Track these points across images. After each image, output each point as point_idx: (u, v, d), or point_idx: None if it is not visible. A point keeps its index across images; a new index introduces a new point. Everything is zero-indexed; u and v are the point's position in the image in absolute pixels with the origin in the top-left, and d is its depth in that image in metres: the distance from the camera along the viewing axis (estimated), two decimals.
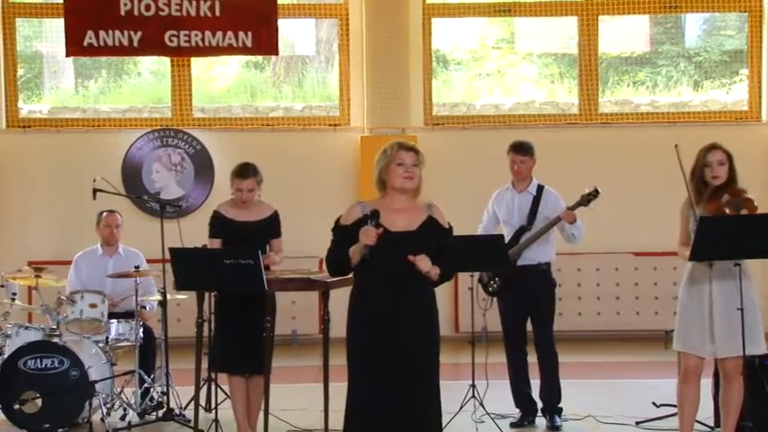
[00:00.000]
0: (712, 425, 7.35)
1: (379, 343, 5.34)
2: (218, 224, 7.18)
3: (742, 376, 6.49)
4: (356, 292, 5.52)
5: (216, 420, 7.06)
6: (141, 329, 8.28)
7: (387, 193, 5.49)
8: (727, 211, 6.39)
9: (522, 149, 7.94)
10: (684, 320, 6.49)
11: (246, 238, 6.94)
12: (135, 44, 12.59)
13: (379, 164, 5.48)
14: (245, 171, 7.12)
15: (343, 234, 5.43)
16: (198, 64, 13.29)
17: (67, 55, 12.83)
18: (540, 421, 7.92)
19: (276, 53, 13.01)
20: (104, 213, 9.04)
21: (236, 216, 7.17)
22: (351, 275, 5.56)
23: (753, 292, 6.43)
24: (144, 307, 8.57)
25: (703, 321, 6.41)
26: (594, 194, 7.83)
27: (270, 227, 7.22)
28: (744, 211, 6.36)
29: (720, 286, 6.41)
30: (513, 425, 7.87)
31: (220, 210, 7.25)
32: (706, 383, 7.00)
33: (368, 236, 5.27)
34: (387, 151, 5.46)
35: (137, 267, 8.33)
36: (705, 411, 7.10)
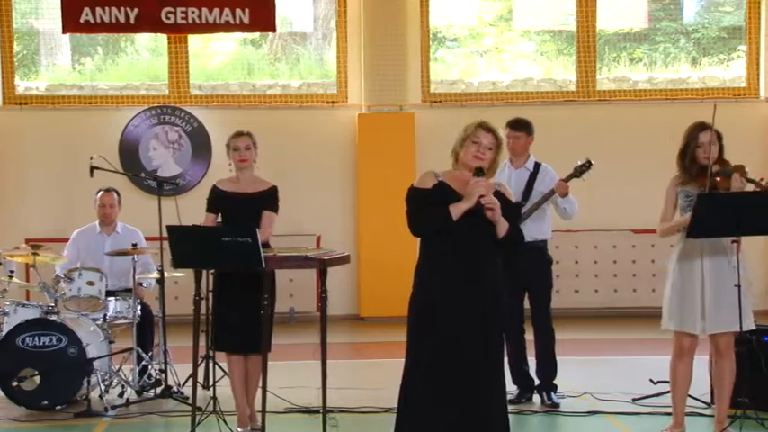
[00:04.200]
0: (709, 401, 7.38)
1: (455, 309, 5.39)
2: (215, 198, 7.16)
3: (735, 352, 6.52)
4: (430, 260, 5.53)
5: (214, 398, 7.06)
6: (139, 307, 8.29)
7: (458, 167, 5.60)
8: (718, 179, 6.40)
9: (515, 126, 8.00)
10: (677, 298, 6.51)
11: (239, 208, 6.94)
12: (131, 21, 12.56)
13: (459, 137, 5.61)
14: (240, 131, 7.24)
15: (426, 197, 5.50)
16: (195, 41, 13.24)
17: (64, 32, 12.80)
18: (538, 398, 7.94)
19: (273, 30, 12.97)
20: (100, 192, 9.03)
21: (234, 189, 7.16)
22: (347, 254, 5.53)
23: (744, 268, 6.47)
24: (141, 284, 8.58)
25: (695, 298, 6.45)
26: (587, 166, 7.86)
27: (264, 199, 7.18)
28: (736, 176, 6.39)
29: (712, 262, 6.44)
30: (510, 402, 7.88)
31: (218, 184, 7.25)
32: (702, 361, 7.01)
33: (483, 186, 5.38)
34: (467, 128, 5.59)
35: (134, 245, 8.34)
36: (702, 388, 7.11)
